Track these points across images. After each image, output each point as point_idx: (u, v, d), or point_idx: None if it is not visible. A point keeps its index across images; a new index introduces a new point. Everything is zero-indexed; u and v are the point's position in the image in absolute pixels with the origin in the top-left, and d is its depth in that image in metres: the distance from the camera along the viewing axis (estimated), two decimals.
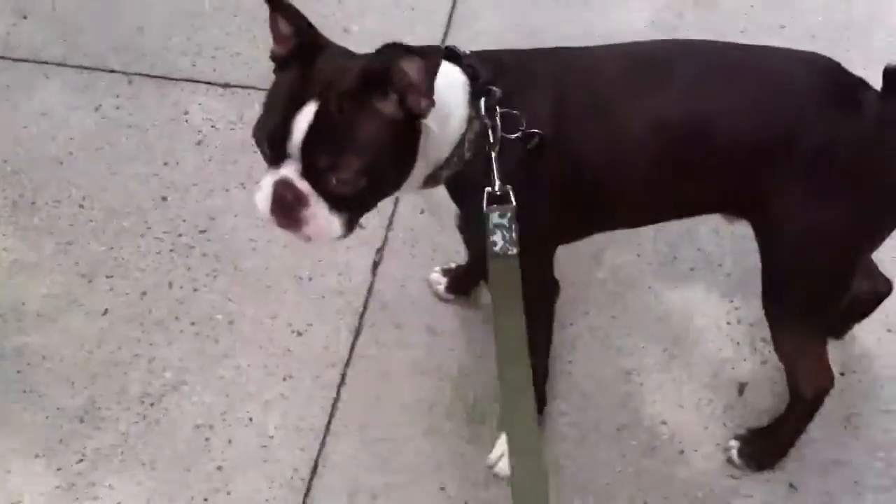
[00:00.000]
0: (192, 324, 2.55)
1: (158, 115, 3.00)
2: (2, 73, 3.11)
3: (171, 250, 2.69)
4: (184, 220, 2.75)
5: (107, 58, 3.16)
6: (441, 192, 1.90)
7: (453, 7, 3.26)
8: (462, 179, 1.85)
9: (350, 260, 2.64)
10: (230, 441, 2.36)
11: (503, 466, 2.27)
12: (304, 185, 1.69)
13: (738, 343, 2.45)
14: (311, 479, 2.29)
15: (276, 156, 1.70)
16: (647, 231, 2.62)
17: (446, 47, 1.85)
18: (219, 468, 2.31)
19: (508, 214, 1.77)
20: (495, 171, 1.78)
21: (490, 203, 1.78)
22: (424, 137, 1.76)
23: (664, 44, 2.02)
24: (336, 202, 1.71)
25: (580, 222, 2.03)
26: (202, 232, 2.72)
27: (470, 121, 1.80)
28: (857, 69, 1.86)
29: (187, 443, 2.35)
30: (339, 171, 1.67)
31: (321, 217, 1.72)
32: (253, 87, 3.04)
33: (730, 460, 2.26)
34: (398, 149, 1.73)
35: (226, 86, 3.07)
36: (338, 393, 2.42)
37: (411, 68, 1.63)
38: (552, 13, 3.21)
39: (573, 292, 2.51)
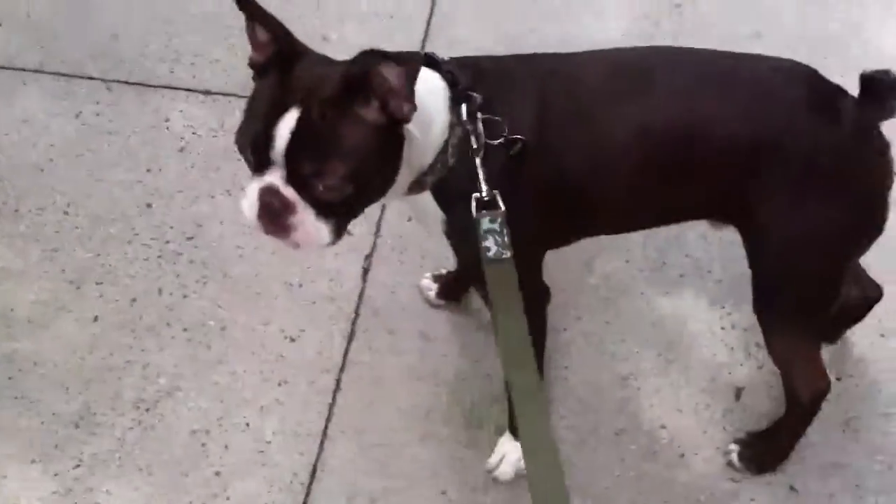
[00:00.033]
0: (185, 330, 2.51)
1: (139, 122, 2.96)
2: None
3: (160, 257, 2.65)
4: (170, 227, 2.71)
5: (84, 65, 3.11)
6: (427, 198, 1.89)
7: (431, 15, 3.26)
8: (447, 186, 1.85)
9: (340, 266, 2.62)
10: (227, 446, 2.32)
11: (503, 471, 2.27)
12: (289, 192, 1.67)
13: (732, 348, 2.47)
14: (310, 484, 2.27)
15: (259, 163, 1.68)
16: (637, 237, 2.63)
17: (425, 54, 1.84)
18: (217, 473, 2.28)
19: (499, 219, 1.76)
20: (481, 177, 1.78)
21: (479, 209, 1.77)
22: (408, 143, 1.76)
23: (646, 50, 2.03)
24: (323, 209, 1.70)
25: (565, 228, 2.03)
26: (189, 239, 2.69)
27: (452, 127, 1.80)
28: (835, 76, 1.88)
29: (184, 448, 2.32)
30: (324, 177, 1.65)
31: (309, 224, 1.70)
32: (233, 94, 3.01)
33: (730, 464, 2.28)
34: (382, 154, 1.72)
35: (206, 93, 3.04)
36: (333, 398, 2.40)
37: (391, 73, 1.62)
38: (529, 21, 3.23)
39: (565, 298, 2.52)
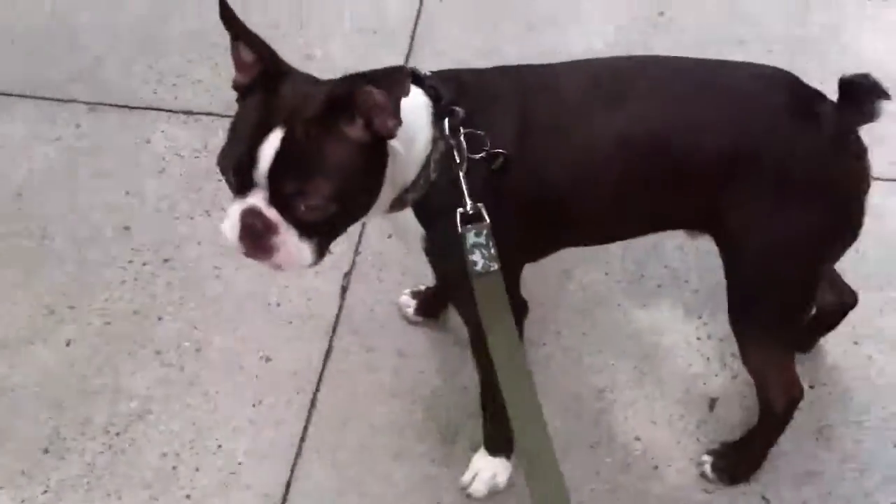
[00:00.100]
0: (158, 352, 2.51)
1: (120, 144, 2.98)
2: None
3: (136, 279, 2.65)
4: (148, 249, 2.72)
5: (66, 88, 3.14)
6: (407, 215, 1.89)
7: (415, 29, 3.27)
8: (428, 202, 1.84)
9: (318, 285, 2.62)
10: (198, 469, 2.32)
11: (476, 488, 2.26)
12: (272, 213, 1.67)
13: (707, 358, 2.46)
14: None
15: (242, 184, 1.68)
16: (615, 249, 2.63)
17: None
18: (188, 496, 2.27)
19: (485, 232, 1.76)
20: (465, 191, 1.77)
21: (463, 223, 1.77)
22: (391, 160, 1.75)
23: (625, 60, 2.02)
24: (306, 229, 1.69)
25: (545, 239, 2.03)
26: (166, 261, 2.69)
27: (434, 141, 1.80)
28: (814, 82, 1.88)
29: (154, 471, 2.31)
30: (307, 196, 1.65)
31: (291, 244, 1.69)
32: (216, 115, 3.03)
33: (703, 475, 2.26)
34: (366, 172, 1.72)
35: (188, 113, 3.06)
36: (308, 417, 2.39)
37: (376, 91, 1.62)
38: (513, 33, 3.24)
39: (543, 312, 2.51)
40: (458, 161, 1.77)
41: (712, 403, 2.38)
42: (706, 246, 2.00)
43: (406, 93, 1.63)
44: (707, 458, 2.26)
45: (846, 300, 2.32)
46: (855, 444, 2.30)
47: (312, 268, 1.75)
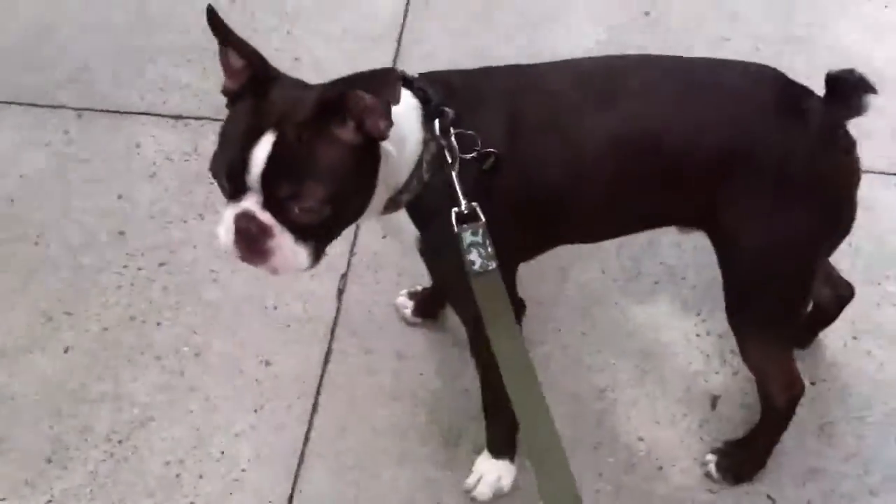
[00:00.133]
0: (157, 358, 2.50)
1: (110, 150, 2.96)
2: None
3: (132, 285, 2.64)
4: (142, 254, 2.70)
5: (55, 94, 3.11)
6: (401, 216, 1.88)
7: (402, 32, 3.26)
8: (422, 202, 1.84)
9: (315, 287, 2.61)
10: (202, 476, 2.30)
11: (481, 491, 2.25)
12: (266, 217, 1.66)
13: (707, 355, 2.46)
14: None
15: (235, 189, 1.67)
16: (611, 247, 2.63)
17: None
18: None
19: (480, 231, 1.76)
20: (458, 191, 1.77)
21: (458, 223, 1.77)
22: (384, 161, 1.75)
23: (614, 60, 2.03)
24: (301, 232, 1.68)
25: (538, 238, 2.03)
26: (162, 265, 2.68)
27: (426, 143, 1.80)
28: (801, 78, 1.88)
29: (158, 479, 2.30)
30: (301, 199, 1.64)
31: (287, 248, 1.69)
32: (206, 118, 3.01)
33: (708, 474, 2.26)
34: (359, 174, 1.71)
35: (177, 117, 3.04)
36: (310, 422, 2.38)
37: (367, 93, 1.62)
38: (501, 34, 3.23)
39: (541, 311, 2.52)
40: (449, 161, 1.78)
41: (714, 401, 2.39)
42: (702, 242, 2.01)
43: (397, 95, 1.63)
44: (711, 458, 2.27)
45: (843, 293, 2.34)
46: (857, 441, 2.30)
47: (308, 271, 1.75)
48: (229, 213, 1.68)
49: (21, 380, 2.47)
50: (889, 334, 2.47)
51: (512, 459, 2.26)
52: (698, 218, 1.94)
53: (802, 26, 3.18)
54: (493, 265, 1.76)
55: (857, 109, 1.78)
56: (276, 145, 1.62)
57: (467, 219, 1.77)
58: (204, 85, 3.10)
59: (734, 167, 1.82)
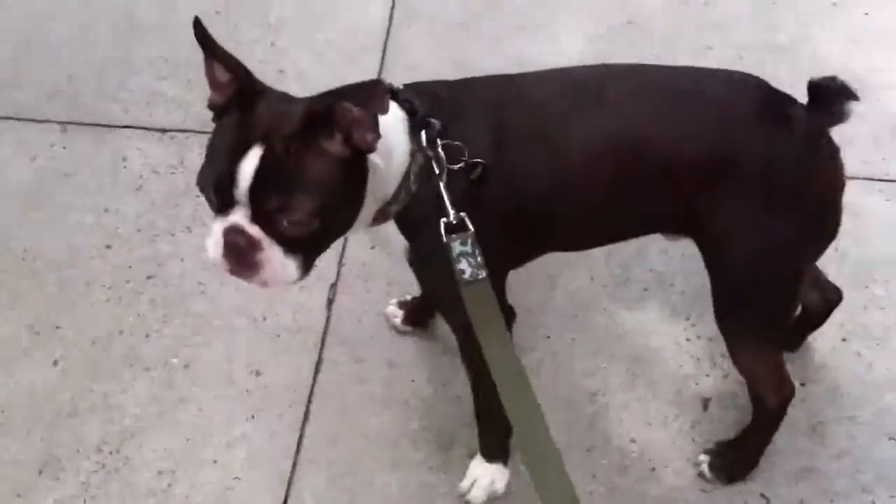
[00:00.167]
0: (147, 369, 2.49)
1: (96, 163, 2.95)
2: None
3: (120, 298, 2.63)
4: (129, 267, 2.69)
5: (40, 108, 3.11)
6: (390, 227, 1.89)
7: (386, 43, 3.28)
8: (410, 213, 1.85)
9: (304, 298, 2.60)
10: (194, 485, 2.29)
11: (475, 495, 2.25)
12: (255, 230, 1.66)
13: (697, 359, 2.47)
14: None
15: (223, 203, 1.67)
16: (599, 254, 2.64)
17: None
18: None
19: (470, 240, 1.77)
20: (447, 201, 1.78)
21: (447, 233, 1.77)
22: (372, 174, 1.75)
23: (598, 68, 2.03)
24: (290, 245, 1.68)
25: (526, 246, 2.04)
26: (150, 278, 2.67)
27: (413, 154, 1.80)
28: (784, 86, 1.90)
29: (150, 490, 2.29)
30: (290, 212, 1.64)
31: (276, 261, 1.69)
32: (191, 131, 3.02)
33: (701, 474, 2.27)
34: (347, 186, 1.72)
35: (163, 130, 3.04)
36: (302, 430, 2.37)
37: (354, 106, 1.62)
38: (485, 44, 3.25)
39: (532, 319, 2.52)
40: (437, 172, 1.78)
41: (706, 403, 2.40)
42: (690, 249, 2.02)
43: (385, 107, 1.64)
44: (704, 458, 2.27)
45: (831, 297, 2.35)
46: (849, 440, 2.32)
47: (298, 283, 1.75)
48: (217, 226, 1.68)
49: (11, 392, 2.45)
50: (877, 336, 2.49)
51: (505, 463, 2.26)
52: (685, 225, 1.95)
53: (785, 35, 3.21)
54: (482, 274, 1.76)
55: (840, 116, 1.80)
56: (263, 158, 1.62)
57: (456, 229, 1.77)
58: (189, 97, 3.11)
59: (719, 174, 1.83)
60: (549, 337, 2.52)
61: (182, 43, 3.20)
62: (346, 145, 1.67)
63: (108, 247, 2.74)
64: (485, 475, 2.25)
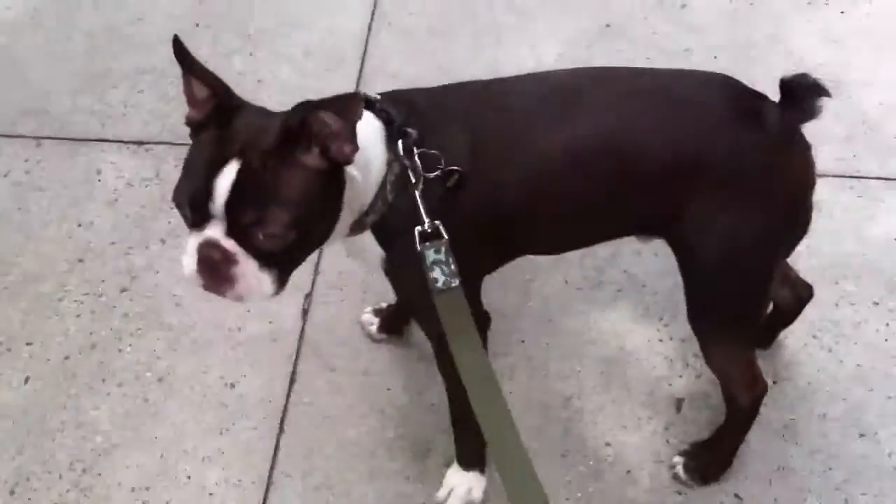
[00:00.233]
0: (120, 385, 2.48)
1: (70, 177, 2.95)
2: None
3: (93, 312, 2.62)
4: (103, 281, 2.69)
5: (14, 123, 3.10)
6: (366, 236, 1.88)
7: (364, 52, 3.27)
8: (386, 223, 1.85)
9: (279, 308, 2.60)
10: (169, 502, 2.28)
11: (452, 503, 2.25)
12: (230, 244, 1.65)
13: (670, 360, 2.47)
14: None
15: (198, 218, 1.66)
16: (573, 257, 2.64)
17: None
18: None
19: (443, 248, 1.77)
20: (422, 210, 1.78)
21: (422, 241, 1.77)
22: (349, 185, 1.75)
23: (574, 72, 2.04)
24: (265, 259, 1.68)
25: (502, 250, 2.04)
26: (123, 291, 2.66)
27: (389, 164, 1.80)
28: (759, 86, 1.90)
29: None
30: (265, 225, 1.63)
31: (251, 275, 1.68)
32: (167, 143, 3.01)
33: (675, 476, 2.27)
34: (324, 199, 1.71)
35: (139, 143, 3.03)
36: (277, 442, 2.37)
37: (331, 118, 1.62)
38: (462, 52, 3.25)
39: (506, 324, 2.52)
40: (413, 181, 1.78)
41: (679, 404, 2.40)
42: (663, 250, 2.02)
43: (360, 117, 1.64)
44: (679, 460, 2.27)
45: (802, 294, 2.35)
46: (822, 438, 2.32)
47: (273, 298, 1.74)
48: (192, 241, 1.68)
49: None
50: (847, 332, 2.49)
51: (482, 471, 2.26)
52: (658, 226, 1.96)
53: (760, 35, 3.22)
54: (455, 282, 1.77)
55: (812, 112, 1.81)
56: (240, 173, 1.61)
57: (431, 237, 1.77)
58: (166, 109, 3.10)
59: (691, 174, 1.83)
60: (523, 341, 2.52)
61: (159, 55, 3.20)
62: (323, 158, 1.67)
63: (81, 260, 2.73)
64: (462, 483, 2.25)
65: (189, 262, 1.69)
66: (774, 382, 2.38)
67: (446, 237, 1.77)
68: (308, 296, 2.63)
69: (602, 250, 2.64)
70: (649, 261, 2.64)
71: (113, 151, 3.01)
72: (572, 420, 2.38)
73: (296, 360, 2.51)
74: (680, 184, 1.84)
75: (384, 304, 2.54)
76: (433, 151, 1.79)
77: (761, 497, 2.24)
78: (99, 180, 2.93)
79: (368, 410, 2.42)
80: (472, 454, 2.23)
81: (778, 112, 1.82)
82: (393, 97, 1.87)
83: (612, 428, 2.36)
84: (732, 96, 1.89)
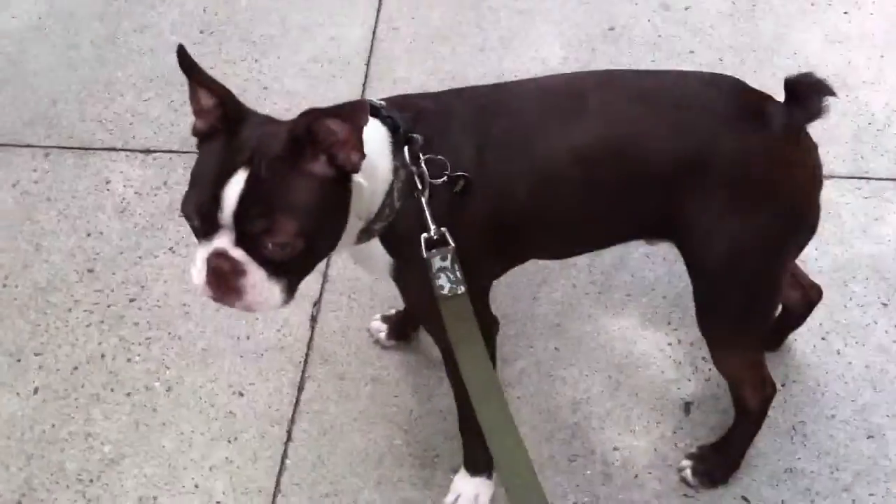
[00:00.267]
0: (128, 395, 2.48)
1: (79, 187, 2.96)
2: None
3: (101, 322, 2.63)
4: (112, 291, 2.69)
5: (22, 133, 3.12)
6: (373, 244, 1.89)
7: (370, 58, 3.28)
8: (394, 230, 1.85)
9: (287, 316, 2.60)
10: None
11: None
12: (238, 253, 1.65)
13: (679, 363, 2.47)
14: None
15: (207, 228, 1.66)
16: (581, 261, 2.64)
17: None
18: None
19: (449, 255, 1.77)
20: (428, 217, 1.78)
21: (428, 248, 1.77)
22: (356, 193, 1.75)
23: (578, 76, 2.05)
24: (274, 268, 1.67)
25: (510, 255, 2.04)
26: (132, 301, 2.67)
27: (396, 170, 1.80)
28: (764, 87, 1.90)
29: None
30: (274, 234, 1.63)
31: (260, 285, 1.67)
32: (175, 151, 3.02)
33: (684, 479, 2.26)
34: (332, 207, 1.71)
35: (147, 152, 3.04)
36: (285, 451, 2.37)
37: (338, 125, 1.62)
38: (467, 56, 3.25)
39: (515, 329, 2.52)
40: (420, 188, 1.78)
41: (687, 408, 2.39)
42: (671, 254, 2.01)
43: (366, 123, 1.64)
44: (687, 463, 2.27)
45: (811, 296, 2.35)
46: (830, 439, 2.31)
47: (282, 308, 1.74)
48: (201, 252, 1.68)
49: None
50: (856, 334, 2.48)
51: (489, 476, 2.25)
52: (665, 229, 1.95)
53: (764, 36, 3.21)
54: (461, 289, 1.77)
55: (817, 112, 1.81)
56: (248, 182, 1.61)
57: (437, 244, 1.77)
58: (172, 117, 3.11)
59: (698, 176, 1.83)
60: (532, 347, 2.52)
61: (166, 63, 3.21)
62: (330, 166, 1.67)
63: (91, 271, 2.74)
64: (469, 489, 2.25)
65: (197, 273, 1.69)
66: (783, 384, 2.38)
67: (452, 244, 1.77)
68: (316, 303, 2.64)
69: (610, 255, 2.64)
70: (657, 265, 2.64)
71: (121, 160, 3.02)
72: (580, 424, 2.37)
73: (304, 367, 2.52)
74: (686, 185, 1.84)
75: (392, 311, 2.54)
76: (439, 157, 1.79)
77: (769, 499, 2.23)
78: (107, 189, 2.94)
79: (377, 418, 2.42)
80: (479, 460, 2.23)
81: (783, 112, 1.82)
82: (398, 103, 1.87)
83: (621, 432, 2.35)
84: (737, 97, 1.88)
